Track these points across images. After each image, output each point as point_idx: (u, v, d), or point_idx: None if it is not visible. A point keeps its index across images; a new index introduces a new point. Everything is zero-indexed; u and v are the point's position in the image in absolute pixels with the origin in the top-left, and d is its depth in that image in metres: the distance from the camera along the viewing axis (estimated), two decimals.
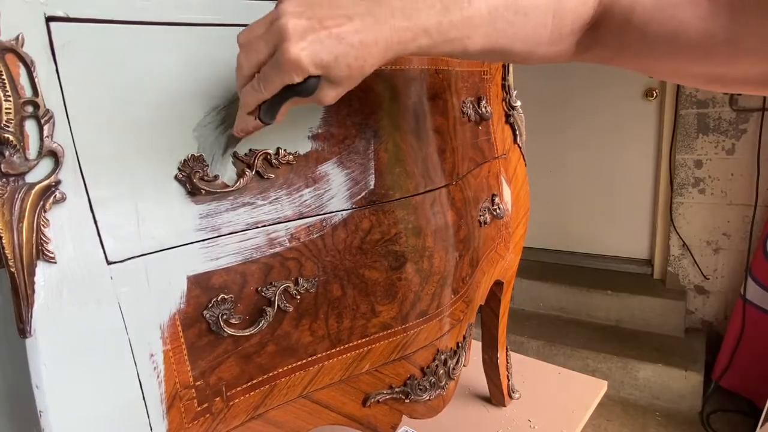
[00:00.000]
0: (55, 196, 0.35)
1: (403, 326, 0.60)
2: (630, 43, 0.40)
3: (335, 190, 0.52)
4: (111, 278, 0.39)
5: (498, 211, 0.80)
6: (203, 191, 0.43)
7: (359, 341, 0.57)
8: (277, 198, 0.48)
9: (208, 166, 0.44)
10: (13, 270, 0.33)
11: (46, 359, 0.35)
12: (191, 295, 0.44)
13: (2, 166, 0.32)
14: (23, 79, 0.33)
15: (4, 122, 0.32)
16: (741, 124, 2.25)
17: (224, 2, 0.43)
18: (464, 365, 0.75)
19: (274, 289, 0.49)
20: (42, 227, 0.34)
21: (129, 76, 0.39)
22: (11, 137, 0.32)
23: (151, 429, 0.42)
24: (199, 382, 0.46)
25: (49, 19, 0.34)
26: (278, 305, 0.50)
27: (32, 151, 0.34)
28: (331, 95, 0.36)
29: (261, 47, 0.35)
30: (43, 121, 0.34)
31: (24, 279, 0.33)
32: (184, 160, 0.42)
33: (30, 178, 0.34)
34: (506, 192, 0.87)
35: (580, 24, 0.41)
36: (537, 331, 2.58)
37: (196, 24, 0.42)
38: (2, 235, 0.32)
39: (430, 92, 0.59)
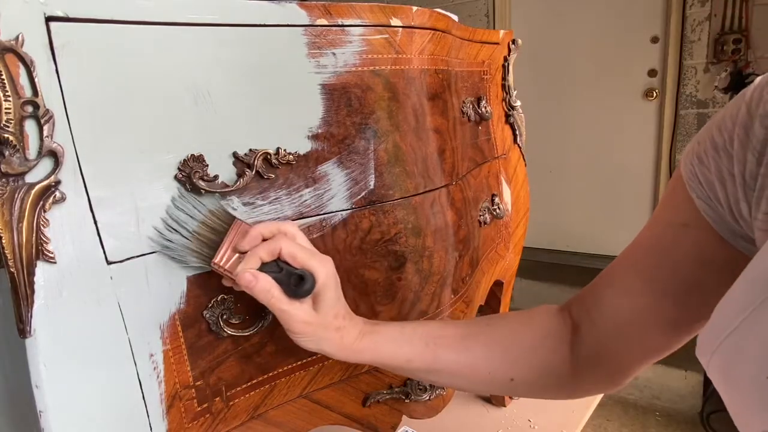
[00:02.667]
0: (54, 196, 0.35)
1: None
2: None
3: (335, 190, 0.52)
4: (111, 278, 0.39)
5: (498, 211, 0.80)
6: (203, 191, 0.43)
7: None
8: (276, 198, 0.48)
9: (207, 166, 0.44)
10: (12, 270, 0.33)
11: (46, 359, 0.35)
12: (191, 295, 0.44)
13: (2, 166, 0.32)
14: (23, 79, 0.33)
15: (3, 122, 0.32)
16: None
17: (224, 2, 0.43)
18: None
19: None
20: (42, 227, 0.34)
21: (129, 76, 0.39)
22: (11, 137, 0.32)
23: (151, 429, 0.42)
24: (199, 382, 0.46)
25: (49, 19, 0.34)
26: None
27: (32, 151, 0.34)
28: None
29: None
30: (42, 121, 0.34)
31: (24, 279, 0.33)
32: (184, 160, 0.42)
33: (30, 178, 0.34)
34: (506, 192, 0.87)
35: None
36: None
37: (196, 24, 0.42)
38: (2, 235, 0.32)
39: (429, 92, 0.59)
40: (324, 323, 0.46)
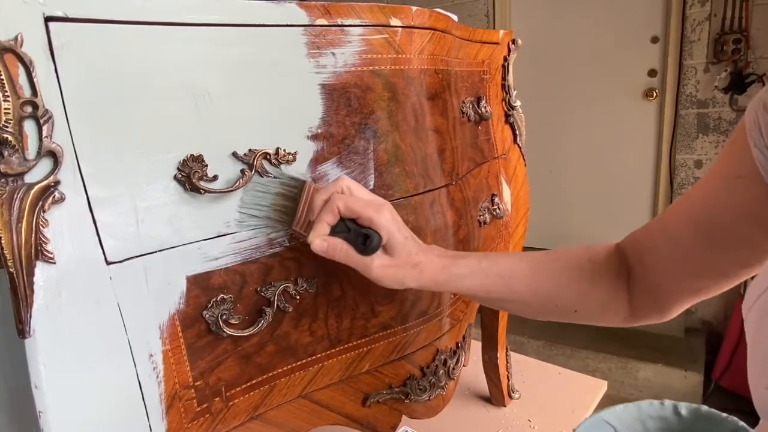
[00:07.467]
0: (54, 197, 0.35)
1: (403, 326, 0.60)
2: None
3: None
4: (110, 278, 0.39)
5: (498, 211, 0.80)
6: (202, 191, 0.43)
7: (359, 341, 0.57)
8: None
9: (207, 166, 0.44)
10: (12, 270, 0.33)
11: (46, 359, 0.35)
12: (191, 295, 0.44)
13: (1, 166, 0.32)
14: (22, 79, 0.33)
15: (3, 122, 0.32)
16: None
17: (224, 2, 0.43)
18: (464, 365, 0.75)
19: (273, 289, 0.49)
20: (41, 227, 0.34)
21: (128, 76, 0.39)
22: (10, 137, 0.32)
23: (151, 429, 0.42)
24: (198, 383, 0.46)
25: (48, 19, 0.34)
26: (278, 305, 0.50)
27: (31, 152, 0.34)
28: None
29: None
30: (42, 122, 0.34)
31: (23, 279, 0.33)
32: (184, 160, 0.42)
33: (29, 178, 0.34)
34: (506, 192, 0.87)
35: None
36: (537, 331, 2.58)
37: (196, 24, 0.42)
38: (1, 235, 0.32)
39: (429, 92, 0.59)
40: (400, 263, 0.50)
